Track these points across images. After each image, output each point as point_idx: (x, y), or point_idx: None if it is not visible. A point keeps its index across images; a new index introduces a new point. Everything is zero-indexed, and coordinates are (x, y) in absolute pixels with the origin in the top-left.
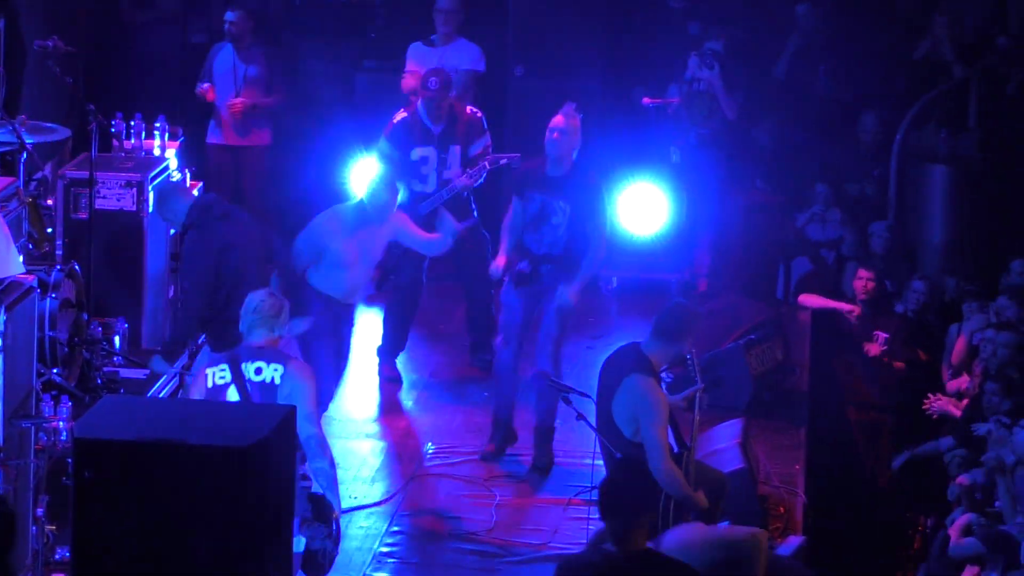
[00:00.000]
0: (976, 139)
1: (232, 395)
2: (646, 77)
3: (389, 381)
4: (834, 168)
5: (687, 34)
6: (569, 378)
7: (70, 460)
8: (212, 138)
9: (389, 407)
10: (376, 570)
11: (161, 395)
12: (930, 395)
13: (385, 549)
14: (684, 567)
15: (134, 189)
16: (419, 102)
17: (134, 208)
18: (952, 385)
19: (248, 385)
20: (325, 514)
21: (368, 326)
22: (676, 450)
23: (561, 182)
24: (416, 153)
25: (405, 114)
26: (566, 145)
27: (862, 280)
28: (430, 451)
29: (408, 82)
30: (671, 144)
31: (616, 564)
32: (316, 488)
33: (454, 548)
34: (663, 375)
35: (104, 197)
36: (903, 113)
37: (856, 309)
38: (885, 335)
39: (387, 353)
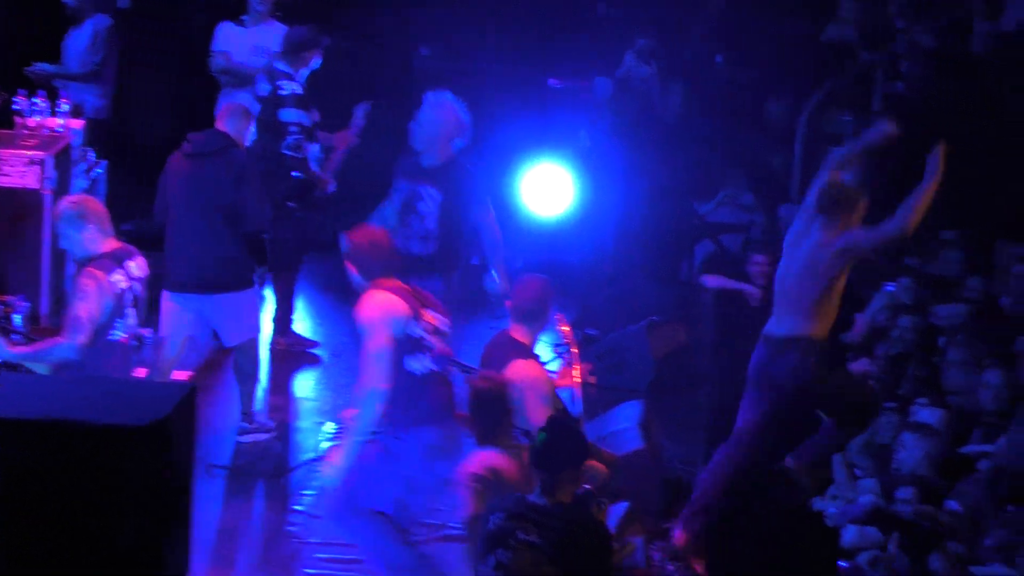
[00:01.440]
0: (880, 123)
1: None
2: (559, 60)
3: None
4: (740, 152)
5: (595, 14)
6: (473, 359)
7: None
8: None
9: (288, 384)
10: (273, 549)
11: None
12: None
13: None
14: (599, 524)
15: (37, 166)
16: None
17: (37, 186)
18: (853, 367)
19: None
20: None
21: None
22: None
23: (434, 172)
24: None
25: None
26: (429, 133)
27: (758, 266)
28: (331, 430)
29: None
30: (581, 128)
31: (544, 512)
32: None
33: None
34: (561, 354)
35: (7, 175)
36: (808, 97)
37: (758, 292)
38: None
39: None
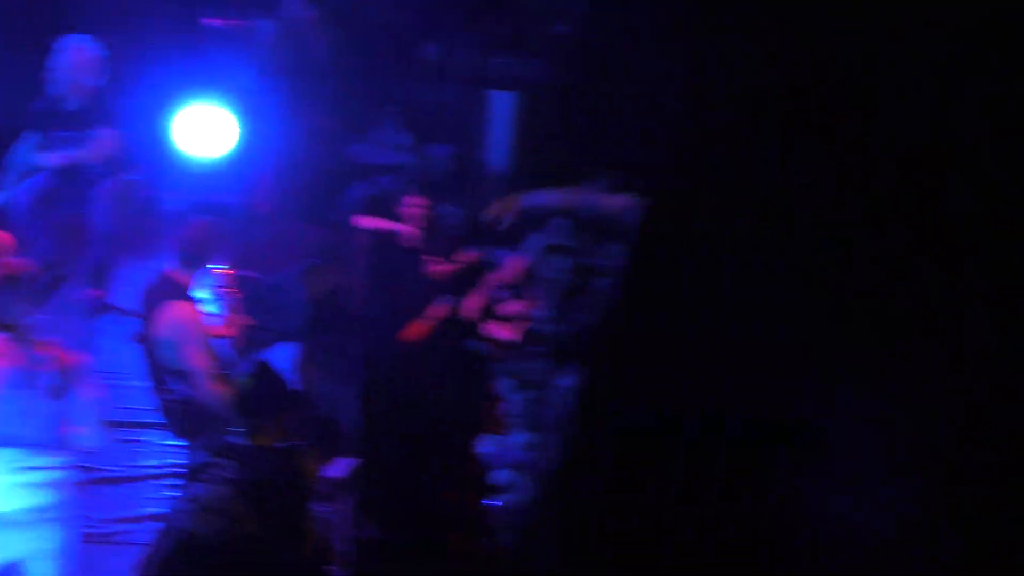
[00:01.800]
0: (541, 65)
1: None
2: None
3: None
4: (397, 93)
5: None
6: (126, 300)
7: None
8: None
9: None
10: None
11: None
12: (489, 324)
13: None
14: (300, 473)
15: None
16: None
17: None
18: (507, 308)
19: None
20: None
21: None
22: (222, 371)
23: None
24: None
25: None
26: (66, 78)
27: (413, 207)
28: None
29: None
30: (238, 68)
31: (245, 452)
32: None
33: None
34: (219, 297)
35: None
36: (465, 38)
37: (414, 233)
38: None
39: None
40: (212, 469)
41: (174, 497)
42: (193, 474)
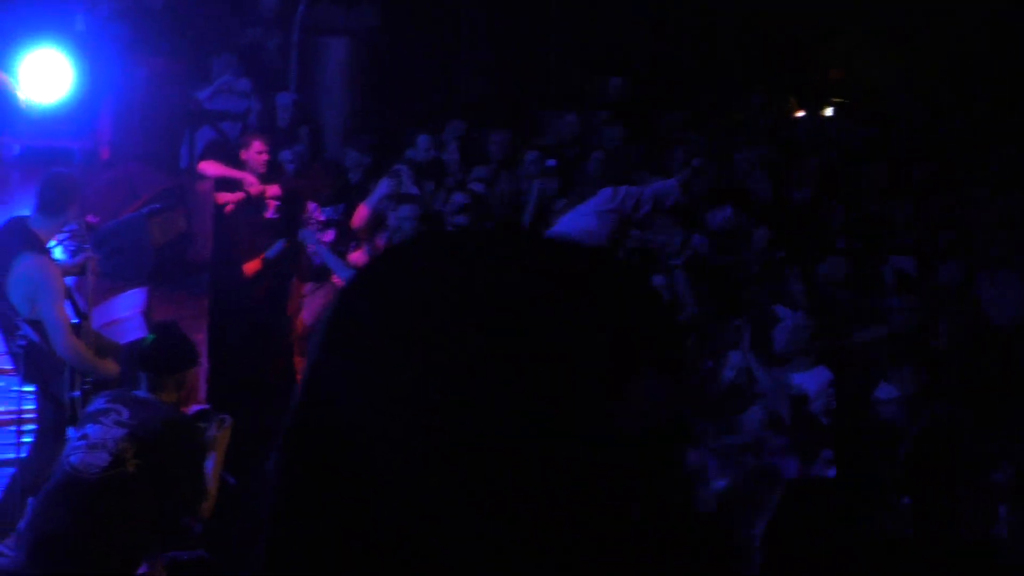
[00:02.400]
0: (375, 11)
1: None
2: None
3: None
4: (236, 39)
5: None
6: None
7: None
8: None
9: None
10: None
11: None
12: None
13: None
14: (195, 433)
15: None
16: None
17: None
18: (354, 256)
19: None
20: None
21: None
22: (76, 320)
23: None
24: None
25: None
26: None
27: (257, 152)
28: None
29: None
30: (77, 13)
31: (144, 404)
32: None
33: None
34: (67, 244)
35: None
36: None
37: (256, 180)
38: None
39: None
40: (110, 413)
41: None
42: (91, 416)
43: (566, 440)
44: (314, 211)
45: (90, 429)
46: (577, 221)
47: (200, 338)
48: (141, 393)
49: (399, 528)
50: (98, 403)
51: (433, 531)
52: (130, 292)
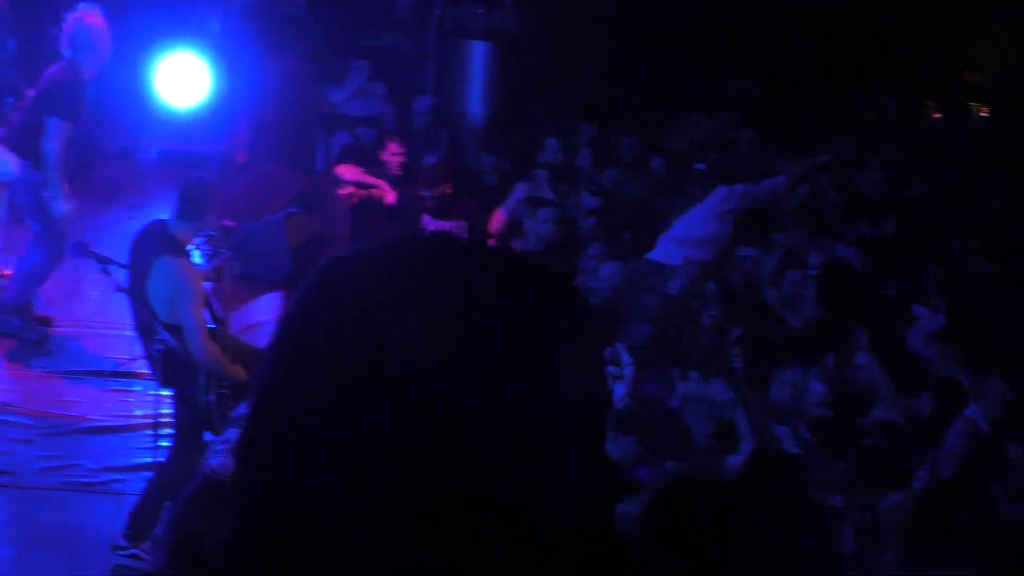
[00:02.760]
0: (514, 15)
1: None
2: None
3: None
4: (372, 43)
5: None
6: (110, 249)
7: None
8: None
9: None
10: None
11: None
12: None
13: None
14: None
15: None
16: None
17: None
18: None
19: None
20: None
21: None
22: (212, 326)
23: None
24: None
25: None
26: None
27: (393, 155)
28: None
29: None
30: (212, 16)
31: None
32: None
33: None
34: (204, 248)
35: None
36: None
37: (388, 187)
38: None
39: None
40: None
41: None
42: (234, 421)
43: (504, 437)
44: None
45: (232, 433)
46: (695, 227)
47: None
48: None
49: (360, 529)
50: (242, 408)
51: (391, 525)
52: (267, 296)
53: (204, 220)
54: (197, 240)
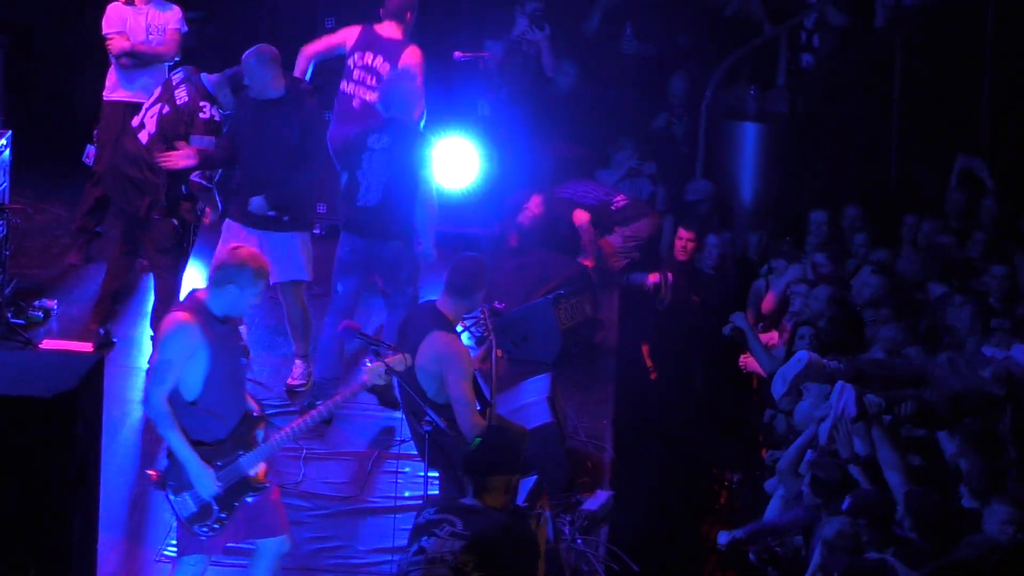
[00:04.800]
0: (785, 97)
1: None
2: (457, 31)
3: None
4: (643, 125)
5: None
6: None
7: None
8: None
9: None
10: None
11: None
12: (742, 357)
13: None
14: (531, 537)
15: None
16: None
17: None
18: (762, 338)
19: None
20: None
21: None
22: (479, 407)
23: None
24: None
25: None
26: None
27: (683, 240)
28: None
29: (117, 43)
30: (480, 98)
31: (474, 512)
32: None
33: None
34: (473, 330)
35: None
36: (713, 70)
37: (666, 278)
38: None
39: None
40: (443, 525)
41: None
42: (423, 528)
43: None
44: None
45: (425, 542)
46: None
47: (604, 423)
48: (468, 500)
49: None
50: (427, 514)
51: None
52: (536, 378)
53: (473, 299)
54: (467, 322)
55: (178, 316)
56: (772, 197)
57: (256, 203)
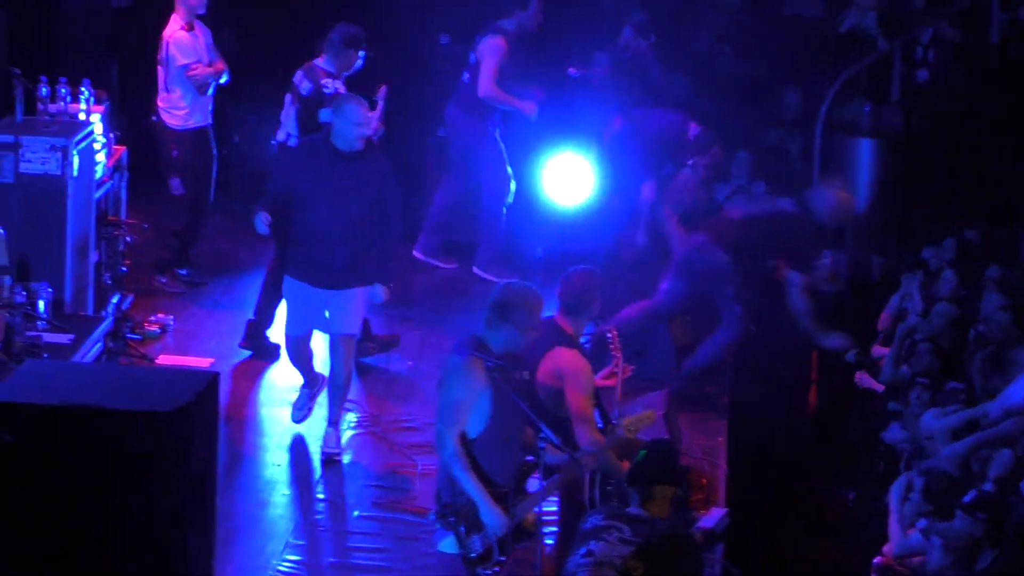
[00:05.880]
0: (900, 112)
1: None
2: (569, 46)
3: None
4: (757, 142)
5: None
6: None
7: None
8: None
9: None
10: (299, 537)
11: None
12: (857, 373)
13: (308, 517)
14: (696, 546)
15: (59, 153)
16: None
17: (59, 172)
18: (878, 350)
19: None
20: None
21: None
22: (601, 424)
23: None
24: None
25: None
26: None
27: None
28: (353, 420)
29: (203, 72)
30: (594, 113)
31: (641, 520)
32: None
33: (377, 516)
34: (588, 348)
35: (28, 161)
36: (827, 86)
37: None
38: None
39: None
40: (611, 531)
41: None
42: (591, 533)
43: None
44: None
45: (594, 546)
46: None
47: (719, 440)
48: (634, 510)
49: None
50: (594, 520)
51: None
52: (651, 395)
53: (588, 311)
54: (582, 338)
55: (463, 357)
56: (887, 213)
57: (377, 293)
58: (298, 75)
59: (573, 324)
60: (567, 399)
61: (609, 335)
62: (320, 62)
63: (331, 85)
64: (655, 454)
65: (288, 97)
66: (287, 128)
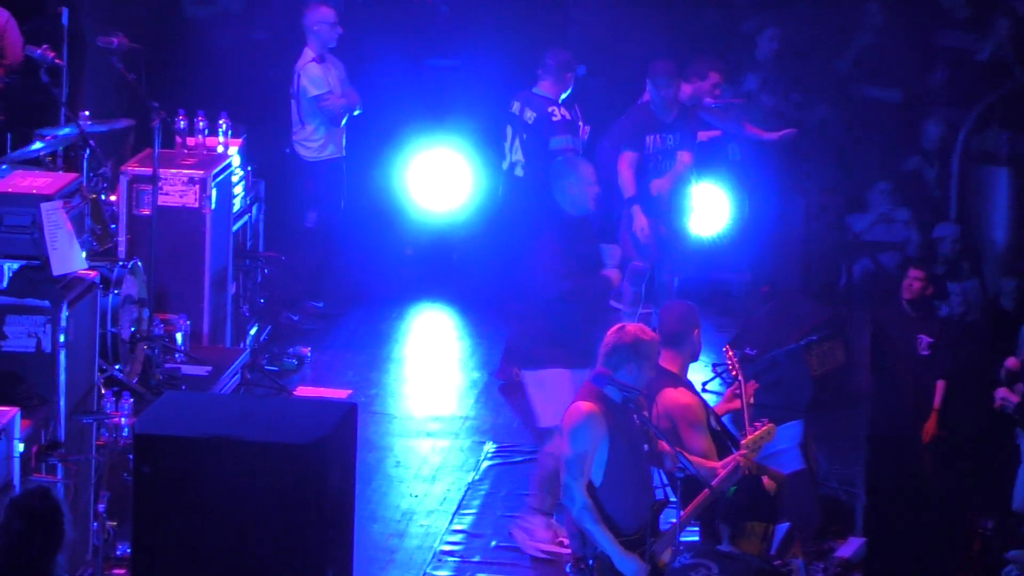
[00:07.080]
0: None
1: None
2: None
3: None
4: (895, 169)
5: (740, 32)
6: None
7: (131, 456)
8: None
9: (449, 405)
10: (436, 568)
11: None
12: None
13: (446, 547)
14: (779, 574)
15: (197, 186)
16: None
17: (196, 205)
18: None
19: None
20: None
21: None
22: (733, 449)
23: None
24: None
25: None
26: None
27: (910, 279)
28: (491, 451)
29: (336, 103)
30: (730, 142)
31: (731, 558)
32: None
33: (515, 548)
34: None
35: (167, 194)
36: (966, 114)
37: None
38: (928, 339)
39: None
40: (699, 569)
41: None
42: (679, 572)
43: None
44: None
45: None
46: None
47: (857, 470)
48: (724, 547)
49: None
50: (683, 559)
51: None
52: (788, 424)
53: (689, 343)
54: (718, 368)
55: (583, 407)
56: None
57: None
58: (516, 105)
59: (674, 358)
60: (681, 438)
61: (726, 355)
62: (540, 89)
63: (556, 112)
64: (747, 488)
65: (509, 128)
66: (512, 158)
